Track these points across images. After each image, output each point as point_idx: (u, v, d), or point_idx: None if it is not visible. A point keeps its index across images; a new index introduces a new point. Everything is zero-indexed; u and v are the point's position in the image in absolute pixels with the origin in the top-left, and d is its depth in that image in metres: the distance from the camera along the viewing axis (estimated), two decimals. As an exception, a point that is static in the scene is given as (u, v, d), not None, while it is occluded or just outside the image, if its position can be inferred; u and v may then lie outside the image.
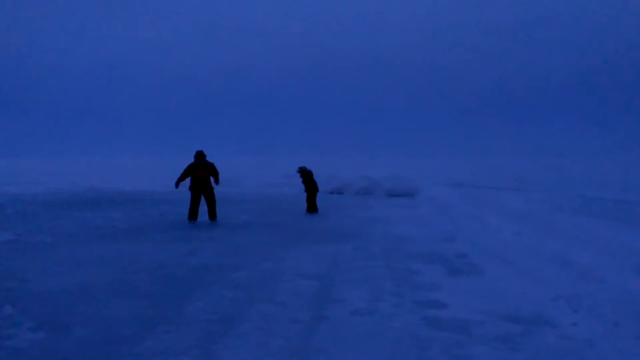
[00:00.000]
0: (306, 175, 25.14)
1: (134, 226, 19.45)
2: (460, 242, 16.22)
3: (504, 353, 9.00)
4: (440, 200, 27.23)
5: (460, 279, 12.43)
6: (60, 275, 12.42)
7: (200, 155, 21.53)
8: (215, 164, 22.03)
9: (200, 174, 21.11)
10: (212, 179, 29.69)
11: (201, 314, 10.24)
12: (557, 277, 12.11)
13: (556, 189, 31.75)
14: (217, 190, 36.57)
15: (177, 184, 21.69)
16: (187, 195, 31.16)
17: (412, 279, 12.39)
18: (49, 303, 10.67)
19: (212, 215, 21.40)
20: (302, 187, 38.93)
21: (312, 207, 24.77)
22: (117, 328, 9.61)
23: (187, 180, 35.00)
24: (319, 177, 37.87)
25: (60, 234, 17.40)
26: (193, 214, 20.93)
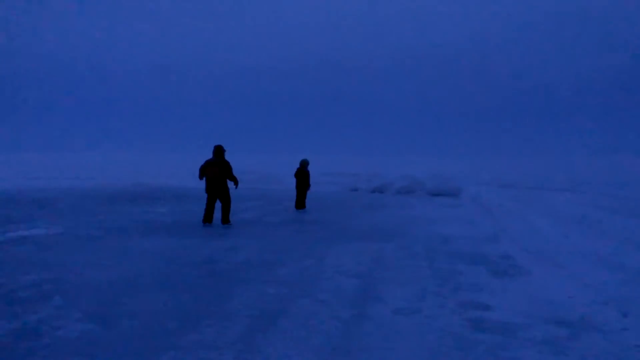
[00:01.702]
0: (301, 169, 24.71)
1: (179, 221, 19.54)
2: (505, 243, 16.04)
3: (550, 357, 8.90)
4: (484, 200, 27.02)
5: (505, 280, 12.28)
6: (107, 268, 12.49)
7: (217, 152, 19.34)
8: (231, 163, 21.83)
9: (213, 173, 19.04)
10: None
11: (244, 309, 10.24)
12: (606, 280, 11.91)
13: (605, 189, 31.32)
14: (256, 187, 36.53)
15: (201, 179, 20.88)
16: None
17: (455, 279, 12.28)
18: (96, 295, 10.73)
19: (224, 218, 19.28)
20: (347, 184, 38.64)
21: (300, 204, 24.37)
22: (162, 321, 9.63)
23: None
24: (361, 176, 37.57)
25: (108, 228, 17.54)
26: (207, 216, 19.07)
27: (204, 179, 18.67)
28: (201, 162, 47.69)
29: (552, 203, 22.45)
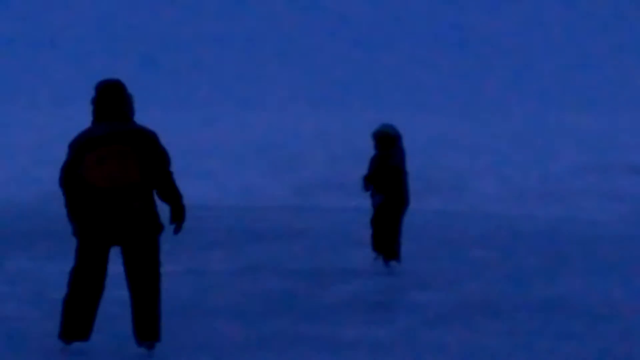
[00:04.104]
0: (383, 155, 12.81)
1: None
2: None
3: None
4: None
5: None
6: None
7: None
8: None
9: (108, 175, 7.24)
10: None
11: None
12: None
13: None
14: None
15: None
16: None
17: None
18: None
19: (146, 328, 7.48)
20: None
21: (385, 245, 12.88)
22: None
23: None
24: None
25: None
26: (76, 324, 7.66)
27: (73, 192, 7.25)
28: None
29: None
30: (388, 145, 12.74)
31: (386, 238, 12.81)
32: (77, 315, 7.41)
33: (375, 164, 12.81)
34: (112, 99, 7.32)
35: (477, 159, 45.90)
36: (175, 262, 13.83)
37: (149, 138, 7.32)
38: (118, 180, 7.19)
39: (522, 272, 13.41)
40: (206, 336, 8.95)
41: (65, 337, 7.48)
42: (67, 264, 13.49)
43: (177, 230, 7.43)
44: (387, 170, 12.66)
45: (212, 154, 45.24)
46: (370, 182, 12.78)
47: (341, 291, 11.70)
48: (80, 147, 7.28)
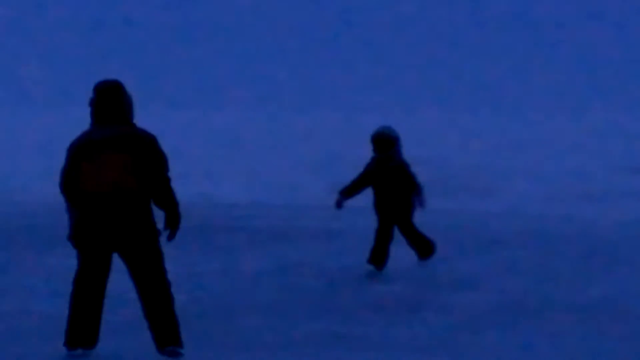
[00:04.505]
0: (384, 158, 12.64)
1: None
2: None
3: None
4: None
5: None
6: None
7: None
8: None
9: (106, 180, 7.07)
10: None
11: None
12: None
13: None
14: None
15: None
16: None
17: None
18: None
19: (167, 335, 7.30)
20: None
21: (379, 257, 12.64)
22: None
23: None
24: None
25: None
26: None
27: (73, 198, 7.15)
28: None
29: None
30: (386, 147, 12.61)
31: (416, 241, 13.05)
32: (81, 323, 7.35)
33: (373, 167, 12.68)
34: (110, 101, 7.14)
35: (515, 158, 45.75)
36: (211, 261, 13.91)
37: (147, 142, 7.13)
38: (113, 186, 7.06)
39: (560, 273, 13.33)
40: (242, 336, 8.95)
41: (70, 345, 7.37)
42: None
43: (170, 237, 7.24)
44: (389, 172, 12.60)
45: (248, 152, 45.34)
46: (368, 184, 12.69)
47: (378, 291, 11.68)
48: (77, 151, 7.15)
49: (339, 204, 12.87)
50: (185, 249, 14.95)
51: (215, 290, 11.60)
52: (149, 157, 7.09)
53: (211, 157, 42.46)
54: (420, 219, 19.13)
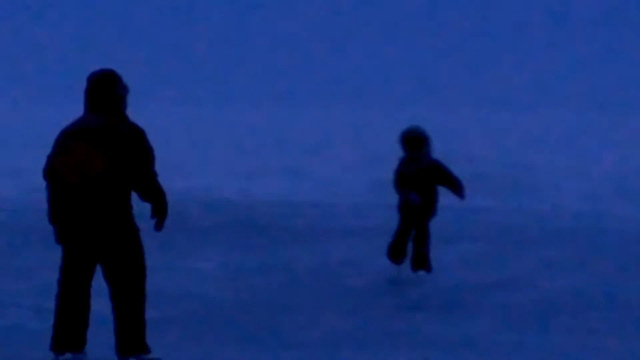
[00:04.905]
0: (414, 156, 12.16)
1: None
2: None
3: None
4: None
5: None
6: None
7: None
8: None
9: (79, 170, 6.78)
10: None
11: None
12: None
13: None
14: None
15: None
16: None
17: None
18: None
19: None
20: None
21: (417, 255, 12.11)
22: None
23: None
24: None
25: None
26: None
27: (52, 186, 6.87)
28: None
29: None
30: (417, 146, 12.15)
31: (416, 245, 12.14)
32: (67, 326, 6.95)
33: (405, 167, 12.20)
34: (102, 90, 6.87)
35: (558, 156, 45.39)
36: (253, 259, 13.97)
37: (132, 136, 6.79)
38: (82, 177, 6.70)
39: (604, 272, 13.26)
40: (284, 333, 9.00)
41: (57, 349, 6.97)
42: (152, 259, 13.83)
43: (158, 227, 6.90)
44: (422, 172, 12.10)
45: (293, 149, 45.34)
46: (404, 185, 12.14)
47: (419, 289, 11.70)
48: (63, 139, 6.86)
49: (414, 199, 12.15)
50: (227, 247, 15.05)
51: (257, 288, 11.63)
52: (132, 151, 6.75)
53: (252, 154, 42.47)
54: (461, 218, 19.19)
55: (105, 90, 6.87)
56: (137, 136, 6.79)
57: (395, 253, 12.13)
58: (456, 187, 12.24)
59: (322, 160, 40.52)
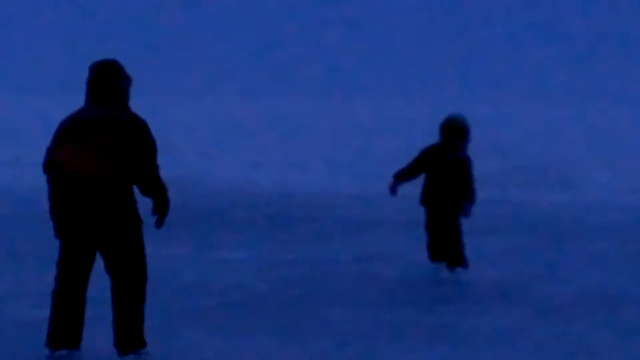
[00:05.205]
0: (443, 146, 11.32)
1: None
2: None
3: None
4: None
5: None
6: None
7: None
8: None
9: (77, 162, 6.68)
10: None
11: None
12: None
13: None
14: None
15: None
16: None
17: None
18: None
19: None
20: None
21: (448, 251, 11.47)
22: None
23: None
24: None
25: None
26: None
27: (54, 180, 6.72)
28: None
29: None
30: (456, 137, 11.22)
31: (447, 243, 11.44)
32: (64, 321, 6.82)
33: (434, 153, 11.31)
34: (104, 81, 6.73)
35: (594, 148, 45.18)
36: (289, 251, 13.98)
37: (134, 128, 6.64)
38: (87, 171, 6.57)
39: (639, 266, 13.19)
40: (321, 325, 8.99)
41: (53, 345, 6.85)
42: (180, 249, 13.90)
43: (159, 224, 6.76)
44: (450, 164, 11.22)
45: (327, 141, 45.38)
46: (424, 170, 11.36)
47: (457, 282, 11.65)
48: (62, 130, 6.73)
49: (393, 190, 11.53)
50: (263, 239, 15.07)
51: (293, 280, 11.65)
52: (134, 143, 6.61)
53: (289, 146, 42.54)
54: (502, 211, 19.11)
55: (108, 81, 6.72)
56: (140, 128, 6.65)
57: (435, 253, 11.55)
58: (467, 198, 11.40)
59: (359, 151, 40.48)
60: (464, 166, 11.30)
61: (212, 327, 8.88)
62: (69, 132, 6.68)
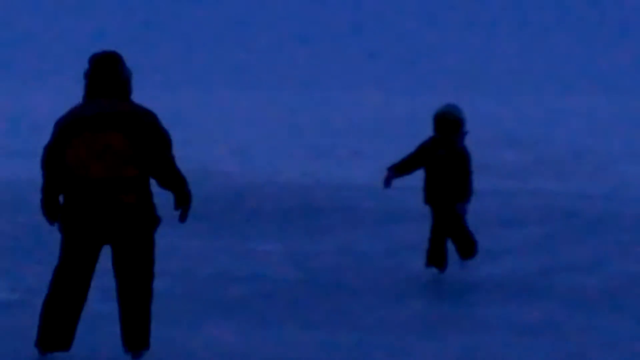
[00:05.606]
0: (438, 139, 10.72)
1: None
2: None
3: None
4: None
5: None
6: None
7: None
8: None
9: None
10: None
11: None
12: None
13: None
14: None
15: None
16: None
17: None
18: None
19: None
20: None
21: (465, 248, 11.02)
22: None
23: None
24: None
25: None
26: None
27: (53, 177, 6.42)
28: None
29: None
30: (450, 129, 10.65)
31: (454, 236, 10.92)
32: (58, 322, 6.45)
33: (430, 146, 10.76)
34: (107, 73, 6.35)
35: (619, 140, 44.89)
36: (318, 242, 13.98)
37: (146, 120, 6.34)
38: (106, 170, 6.28)
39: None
40: (349, 316, 9.01)
41: (43, 347, 6.50)
42: (211, 241, 13.92)
43: (183, 218, 6.55)
44: (447, 157, 10.62)
45: (359, 133, 45.34)
46: (423, 164, 10.79)
47: (484, 273, 11.63)
48: (65, 127, 6.33)
49: (387, 182, 10.91)
50: (291, 230, 15.08)
51: (320, 271, 11.65)
52: (149, 136, 6.31)
53: (315, 137, 42.50)
54: (528, 202, 19.02)
55: (111, 72, 6.38)
56: (151, 119, 6.38)
57: (434, 259, 10.96)
58: (463, 194, 10.80)
59: (385, 143, 40.43)
60: (460, 160, 10.70)
61: (240, 317, 8.92)
62: (74, 130, 6.31)
